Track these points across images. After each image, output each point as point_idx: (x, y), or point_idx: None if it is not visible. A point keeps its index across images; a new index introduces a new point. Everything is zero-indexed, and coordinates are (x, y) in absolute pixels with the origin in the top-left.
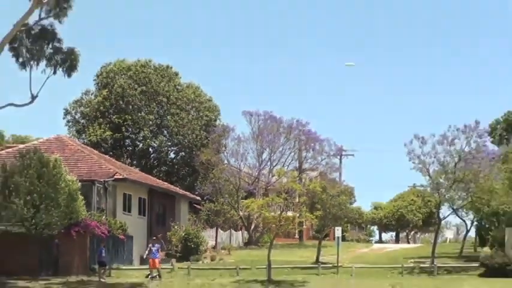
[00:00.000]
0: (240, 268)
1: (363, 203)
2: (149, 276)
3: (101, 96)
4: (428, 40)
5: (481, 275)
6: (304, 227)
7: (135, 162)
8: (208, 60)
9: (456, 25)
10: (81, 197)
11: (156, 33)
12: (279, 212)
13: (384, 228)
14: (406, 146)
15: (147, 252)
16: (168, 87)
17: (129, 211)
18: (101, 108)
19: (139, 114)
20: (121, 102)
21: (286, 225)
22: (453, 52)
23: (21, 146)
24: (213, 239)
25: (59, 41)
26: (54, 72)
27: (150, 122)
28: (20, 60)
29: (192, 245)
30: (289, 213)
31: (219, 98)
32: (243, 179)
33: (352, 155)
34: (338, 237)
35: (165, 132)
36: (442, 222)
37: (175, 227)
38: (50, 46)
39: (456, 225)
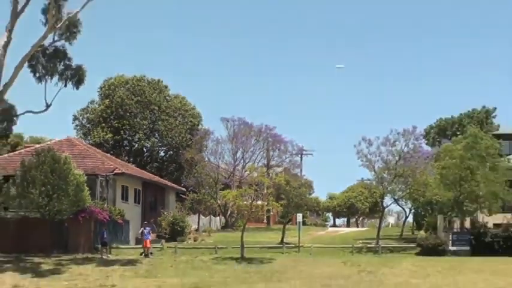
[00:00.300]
0: (218, 247)
1: (320, 193)
2: (143, 254)
3: (104, 105)
4: (372, 52)
5: (417, 254)
6: (271, 213)
7: (131, 159)
8: (192, 76)
9: (398, 35)
10: (86, 188)
11: (150, 53)
12: (251, 201)
13: (337, 214)
14: (355, 146)
15: (140, 233)
16: (159, 98)
17: (127, 200)
18: (104, 115)
19: (135, 120)
20: (120, 110)
21: (256, 212)
22: (397, 65)
23: (37, 145)
24: (196, 223)
25: (69, 59)
26: (65, 85)
27: (144, 126)
28: (37, 75)
29: (179, 228)
30: (259, 202)
31: (201, 106)
32: (220, 174)
33: (311, 154)
34: (299, 222)
35: (156, 134)
36: (385, 209)
37: (165, 213)
38: (62, 64)
39: (397, 212)
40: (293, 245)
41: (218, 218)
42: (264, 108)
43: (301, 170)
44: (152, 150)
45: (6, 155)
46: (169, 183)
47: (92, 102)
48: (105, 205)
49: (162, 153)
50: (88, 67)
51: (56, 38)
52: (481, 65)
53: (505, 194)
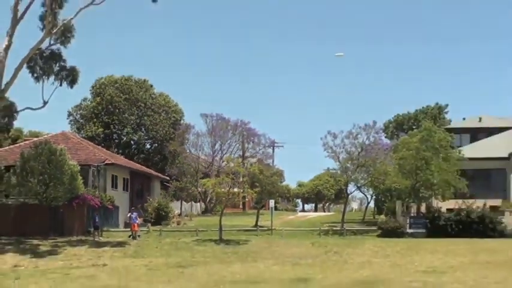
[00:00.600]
0: (198, 230)
1: (290, 181)
2: (131, 236)
3: (95, 102)
4: (337, 51)
5: (378, 236)
6: (246, 199)
7: (120, 151)
8: (175, 76)
9: (361, 36)
10: (80, 177)
11: (137, 55)
12: (228, 189)
13: (306, 200)
14: (322, 139)
15: (128, 217)
16: (145, 96)
17: (116, 188)
18: (95, 111)
19: (124, 115)
20: (110, 107)
21: (233, 198)
22: (359, 65)
23: (36, 139)
24: (179, 208)
25: (64, 61)
26: (61, 85)
27: (132, 122)
28: (35, 75)
29: (163, 213)
30: (235, 190)
31: (183, 103)
32: (200, 164)
33: (282, 146)
34: (272, 207)
35: (143, 129)
36: (349, 196)
37: (150, 199)
38: (57, 65)
39: (360, 198)
40: (266, 228)
41: (199, 204)
42: (240, 104)
43: (273, 161)
44: (139, 143)
45: (7, 147)
46: (155, 173)
47: (84, 99)
48: (97, 192)
49: (148, 146)
50: (81, 68)
51: (52, 42)
52: (435, 66)
53: (456, 182)
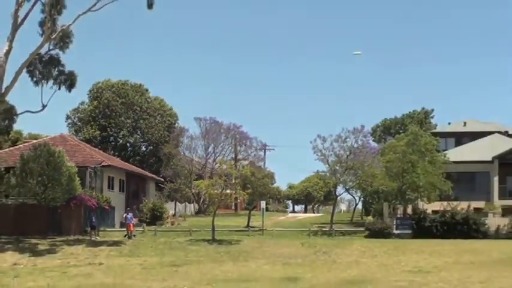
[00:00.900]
0: (192, 230)
1: (281, 183)
2: (126, 236)
3: (93, 105)
4: (328, 57)
5: (366, 236)
6: (238, 201)
7: (116, 153)
8: (170, 81)
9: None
10: (77, 178)
11: (133, 60)
12: (221, 190)
13: (296, 202)
14: (311, 143)
15: (124, 218)
16: (141, 100)
17: (112, 189)
18: (92, 114)
19: (120, 119)
20: (107, 110)
21: (226, 199)
22: (348, 72)
23: (35, 141)
24: (173, 209)
25: (63, 66)
26: (59, 89)
27: (128, 125)
28: (34, 79)
29: (158, 214)
30: (228, 191)
31: (177, 107)
32: (194, 166)
33: (273, 149)
34: (263, 208)
35: (139, 132)
36: (338, 198)
37: (146, 200)
38: (56, 70)
39: (348, 200)
40: (257, 229)
41: (192, 204)
42: (233, 108)
43: (264, 163)
44: (135, 145)
45: (7, 149)
46: (150, 174)
47: (82, 103)
48: (94, 193)
49: (143, 148)
50: (78, 72)
51: (51, 47)
52: (421, 72)
53: (442, 184)
